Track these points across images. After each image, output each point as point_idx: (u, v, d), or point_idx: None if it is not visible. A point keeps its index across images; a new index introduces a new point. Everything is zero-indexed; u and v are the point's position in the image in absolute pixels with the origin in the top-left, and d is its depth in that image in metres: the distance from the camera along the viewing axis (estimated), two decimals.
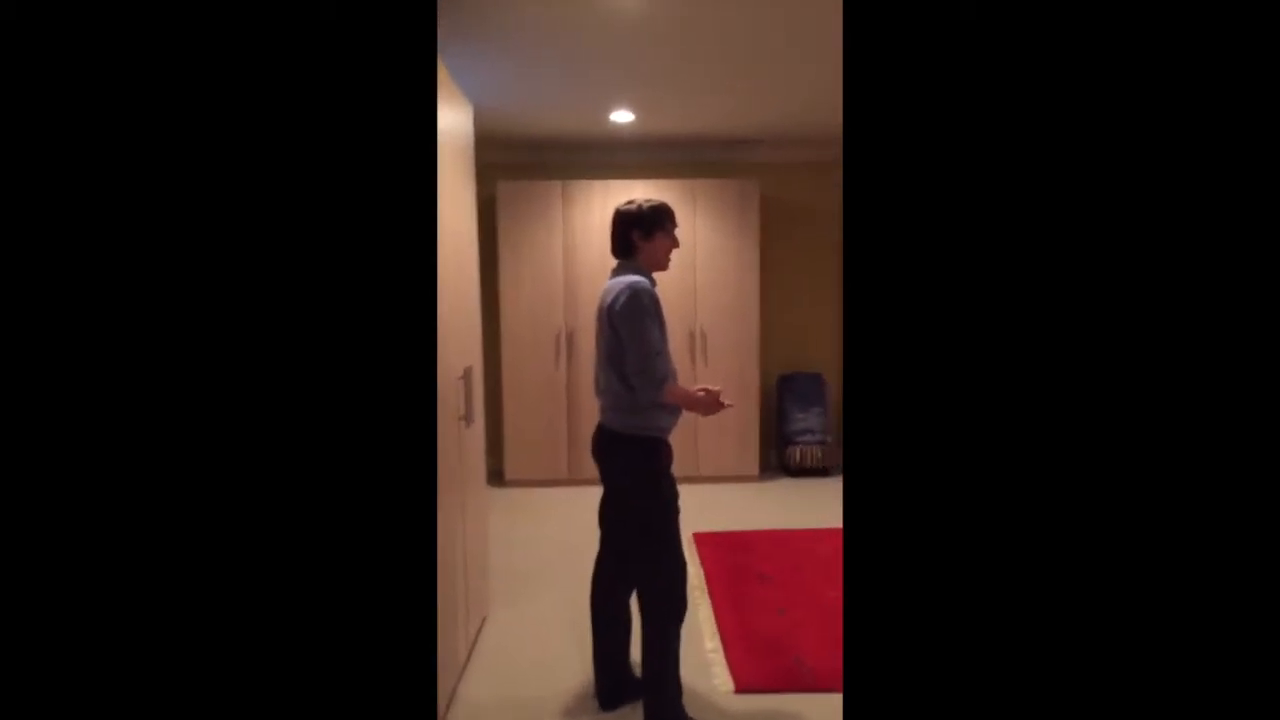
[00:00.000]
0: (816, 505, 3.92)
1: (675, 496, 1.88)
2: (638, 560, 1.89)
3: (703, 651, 2.35)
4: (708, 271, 4.28)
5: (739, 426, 4.31)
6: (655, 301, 1.81)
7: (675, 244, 1.92)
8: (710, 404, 1.86)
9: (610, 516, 2.01)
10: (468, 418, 2.22)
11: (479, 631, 2.51)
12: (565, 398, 4.30)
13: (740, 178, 4.37)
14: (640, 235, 1.88)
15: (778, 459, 4.58)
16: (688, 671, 2.18)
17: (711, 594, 2.77)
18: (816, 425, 4.42)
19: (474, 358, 2.38)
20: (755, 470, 4.36)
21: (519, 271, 4.24)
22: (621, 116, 3.78)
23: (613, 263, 2.03)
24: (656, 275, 1.98)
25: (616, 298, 1.81)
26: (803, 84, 3.28)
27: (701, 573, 2.98)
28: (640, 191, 4.15)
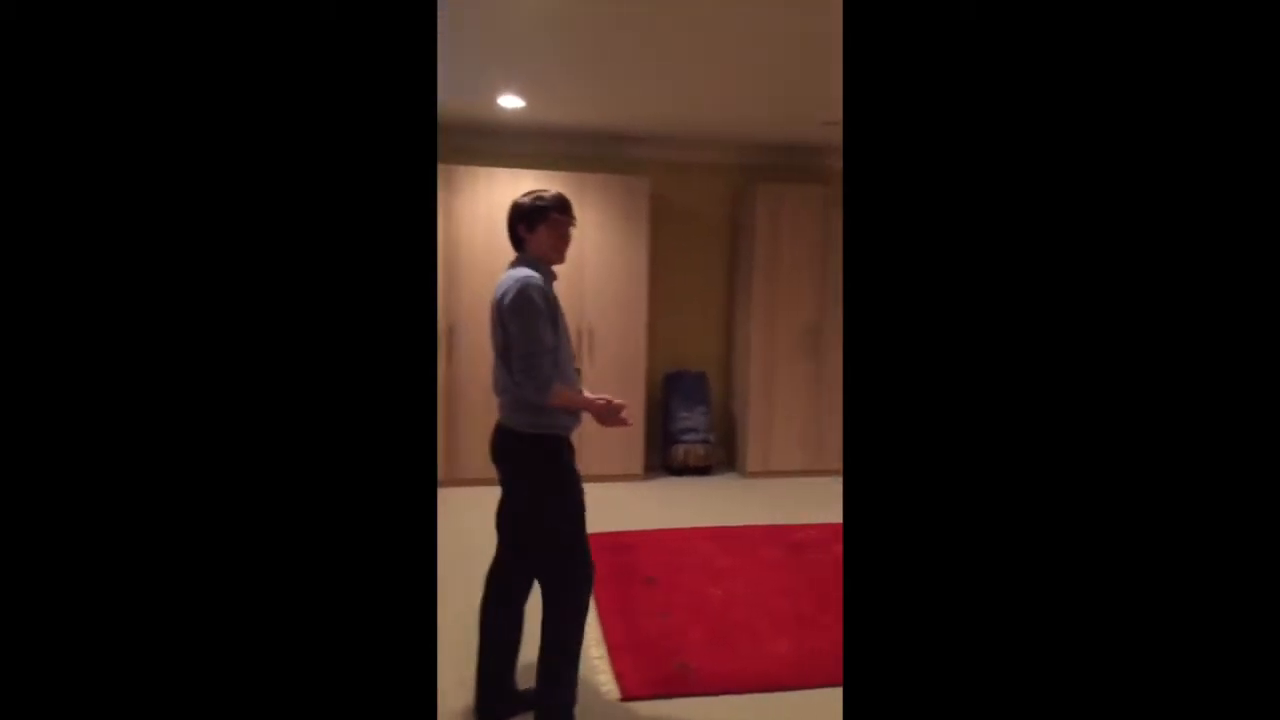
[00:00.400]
0: (699, 504, 3.96)
1: (581, 494, 1.82)
2: (544, 564, 1.81)
3: (588, 659, 2.28)
4: (595, 267, 4.21)
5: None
6: (545, 297, 1.74)
7: (563, 236, 1.86)
8: (610, 414, 1.82)
9: (511, 520, 1.90)
10: None
11: None
12: (443, 395, 4.09)
13: (630, 174, 4.33)
14: (525, 228, 1.84)
15: (661, 458, 4.60)
16: None
17: (597, 598, 2.71)
18: (701, 424, 4.47)
19: None
20: (640, 469, 4.34)
21: None
22: (510, 102, 3.63)
23: (508, 255, 1.95)
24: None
25: (506, 293, 1.74)
26: (695, 82, 3.28)
27: None
28: (528, 182, 4.01)
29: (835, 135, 4.22)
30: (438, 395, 4.09)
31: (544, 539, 1.80)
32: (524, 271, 1.77)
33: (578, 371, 1.93)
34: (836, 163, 4.83)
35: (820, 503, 4.00)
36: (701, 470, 4.52)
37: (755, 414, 4.44)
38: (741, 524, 3.61)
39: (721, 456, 4.79)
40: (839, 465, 4.56)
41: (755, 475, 4.48)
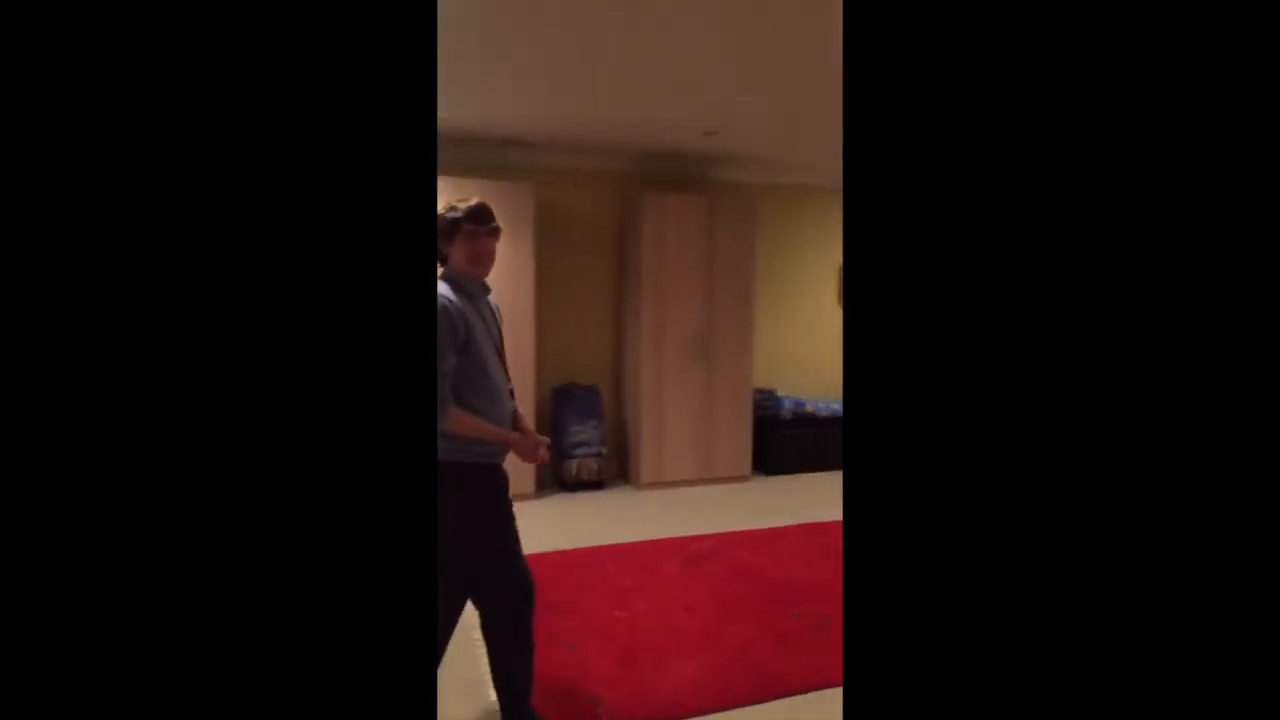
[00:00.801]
0: (596, 521, 3.85)
1: (513, 520, 1.78)
2: (483, 596, 1.78)
3: (489, 703, 2.11)
4: None
5: None
6: (448, 315, 1.65)
7: (481, 249, 1.76)
8: (527, 450, 1.77)
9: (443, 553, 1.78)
10: None
11: None
12: None
13: (514, 180, 4.17)
14: (445, 243, 1.76)
15: (553, 473, 4.45)
16: None
17: None
18: (593, 438, 4.38)
19: None
20: (531, 487, 4.18)
21: None
22: None
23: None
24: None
25: None
26: (579, 84, 3.19)
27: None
28: None
29: (715, 146, 4.27)
30: None
31: (480, 570, 1.76)
32: (438, 287, 1.70)
33: (511, 393, 1.84)
34: (717, 173, 4.91)
35: (714, 512, 4.02)
36: (594, 485, 4.42)
37: (647, 424, 4.40)
38: (639, 539, 3.55)
39: (614, 470, 4.72)
40: (728, 473, 4.62)
41: (649, 487, 4.43)
